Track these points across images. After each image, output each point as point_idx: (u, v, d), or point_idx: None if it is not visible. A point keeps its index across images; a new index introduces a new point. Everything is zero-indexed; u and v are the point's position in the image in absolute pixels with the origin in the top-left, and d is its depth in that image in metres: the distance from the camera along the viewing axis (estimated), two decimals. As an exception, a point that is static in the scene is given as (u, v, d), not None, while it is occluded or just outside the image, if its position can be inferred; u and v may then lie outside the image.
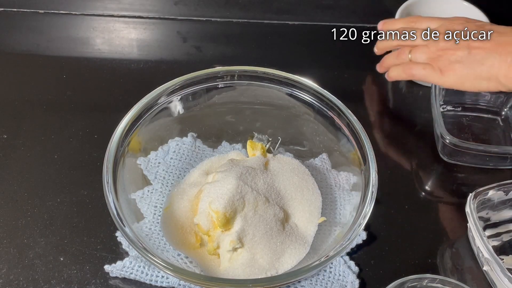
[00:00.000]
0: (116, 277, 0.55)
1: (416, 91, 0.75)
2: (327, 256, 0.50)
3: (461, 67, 0.62)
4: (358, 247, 0.59)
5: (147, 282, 0.55)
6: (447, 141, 0.63)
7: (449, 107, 0.73)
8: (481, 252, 0.54)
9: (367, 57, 0.74)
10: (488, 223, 0.61)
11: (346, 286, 0.56)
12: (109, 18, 0.83)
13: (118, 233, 0.58)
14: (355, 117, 0.58)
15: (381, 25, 0.71)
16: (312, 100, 0.61)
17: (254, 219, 0.54)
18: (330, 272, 0.56)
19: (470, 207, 0.56)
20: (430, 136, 0.69)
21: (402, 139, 0.71)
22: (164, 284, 0.55)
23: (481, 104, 0.73)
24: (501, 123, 0.72)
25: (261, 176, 0.58)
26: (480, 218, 0.59)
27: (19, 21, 0.81)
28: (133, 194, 0.58)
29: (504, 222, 0.62)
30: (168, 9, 0.84)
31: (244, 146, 0.65)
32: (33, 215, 0.59)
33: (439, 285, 0.52)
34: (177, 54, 0.81)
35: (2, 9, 0.82)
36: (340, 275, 0.56)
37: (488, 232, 0.61)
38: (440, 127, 0.64)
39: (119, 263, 0.55)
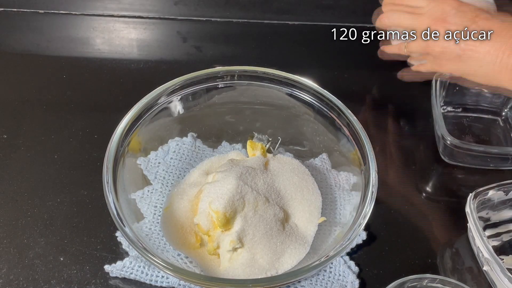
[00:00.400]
0: (116, 277, 0.55)
1: (416, 92, 0.75)
2: (327, 256, 0.50)
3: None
4: (358, 247, 0.59)
5: (147, 282, 0.55)
6: (448, 142, 0.63)
7: (449, 108, 0.73)
8: (481, 252, 0.54)
9: (367, 57, 0.74)
10: (488, 223, 0.61)
11: (346, 286, 0.56)
12: (109, 18, 0.83)
13: (118, 233, 0.58)
14: (355, 117, 0.58)
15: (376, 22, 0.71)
16: (312, 100, 0.61)
17: (254, 219, 0.54)
18: (330, 272, 0.56)
19: (470, 207, 0.56)
20: (431, 137, 0.69)
21: (402, 139, 0.71)
22: (164, 284, 0.55)
23: (482, 105, 0.73)
24: (501, 123, 0.72)
25: (261, 176, 0.58)
26: (480, 218, 0.59)
27: (19, 21, 0.81)
28: (133, 194, 0.58)
29: (504, 222, 0.62)
30: (168, 9, 0.84)
31: (244, 146, 0.65)
32: (33, 215, 0.59)
33: (439, 285, 0.52)
34: (177, 54, 0.81)
35: (2, 9, 0.82)
36: (340, 275, 0.56)
37: (488, 232, 0.61)
38: (441, 128, 0.64)
39: (119, 263, 0.55)
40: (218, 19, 0.84)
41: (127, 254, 0.56)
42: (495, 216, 0.61)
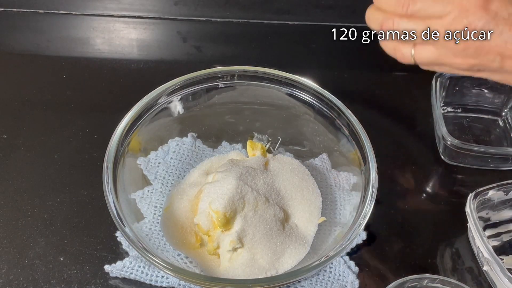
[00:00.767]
0: (116, 277, 0.55)
1: (416, 92, 0.75)
2: (327, 256, 0.50)
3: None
4: (358, 247, 0.59)
5: (147, 282, 0.55)
6: (449, 143, 0.63)
7: (449, 109, 0.73)
8: (481, 252, 0.54)
9: (367, 57, 0.74)
10: (488, 223, 0.61)
11: (346, 286, 0.56)
12: (109, 18, 0.83)
13: (118, 233, 0.58)
14: (355, 117, 0.58)
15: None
16: (312, 100, 0.61)
17: (254, 219, 0.54)
18: (330, 272, 0.56)
19: (470, 207, 0.56)
20: (431, 137, 0.69)
21: (402, 139, 0.71)
22: (164, 284, 0.55)
23: (482, 105, 0.73)
24: (501, 123, 0.72)
25: (261, 176, 0.58)
26: (480, 218, 0.59)
27: (19, 21, 0.81)
28: (133, 194, 0.58)
29: (504, 222, 0.62)
30: (168, 9, 0.83)
31: (244, 146, 0.65)
32: (33, 215, 0.59)
33: (439, 285, 0.52)
34: (177, 54, 0.81)
35: (2, 9, 0.82)
36: (340, 275, 0.56)
37: (488, 232, 0.61)
38: (441, 129, 0.64)
39: (119, 263, 0.55)
40: (218, 19, 0.84)
41: (127, 254, 0.56)
42: (495, 216, 0.61)
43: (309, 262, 0.51)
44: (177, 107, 0.62)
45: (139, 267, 0.55)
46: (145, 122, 0.59)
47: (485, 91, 0.72)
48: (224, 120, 0.65)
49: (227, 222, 0.54)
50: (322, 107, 0.61)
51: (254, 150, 0.62)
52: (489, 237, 0.60)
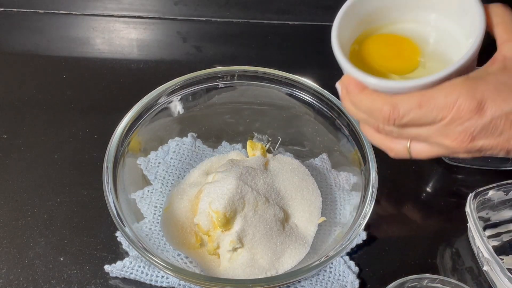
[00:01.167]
0: (116, 277, 0.55)
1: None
2: (327, 256, 0.50)
3: None
4: (358, 247, 0.59)
5: (147, 282, 0.55)
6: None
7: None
8: (481, 252, 0.54)
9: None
10: (488, 223, 0.61)
11: (346, 286, 0.56)
12: (109, 18, 0.83)
13: (118, 233, 0.58)
14: (355, 117, 0.58)
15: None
16: (312, 100, 0.61)
17: (254, 219, 0.54)
18: (330, 272, 0.56)
19: (470, 207, 0.56)
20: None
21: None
22: (164, 284, 0.55)
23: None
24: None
25: (261, 176, 0.58)
26: (480, 218, 0.59)
27: (19, 21, 0.81)
28: (133, 194, 0.58)
29: (504, 222, 0.62)
30: (168, 9, 0.83)
31: (244, 146, 0.65)
32: (33, 215, 0.59)
33: (439, 285, 0.52)
34: (177, 54, 0.81)
35: (2, 9, 0.82)
36: (340, 275, 0.56)
37: (488, 232, 0.61)
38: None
39: (119, 263, 0.55)
40: (218, 19, 0.84)
41: (127, 254, 0.56)
42: (495, 216, 0.61)
43: (309, 262, 0.51)
44: (177, 107, 0.62)
45: (139, 267, 0.55)
46: (145, 122, 0.59)
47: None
48: (224, 120, 0.65)
49: (227, 222, 0.54)
50: (322, 107, 0.61)
51: (254, 150, 0.62)
52: (489, 237, 0.60)
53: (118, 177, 0.54)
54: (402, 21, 0.47)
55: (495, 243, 0.60)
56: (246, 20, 0.84)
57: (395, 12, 0.46)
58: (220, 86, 0.62)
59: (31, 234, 0.58)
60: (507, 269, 0.52)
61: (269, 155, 0.63)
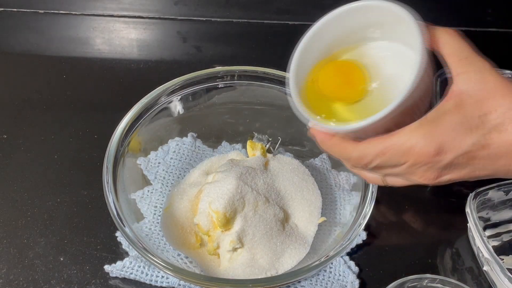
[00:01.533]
0: (116, 277, 0.55)
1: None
2: (327, 256, 0.50)
3: None
4: (358, 247, 0.59)
5: (147, 282, 0.55)
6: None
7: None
8: (481, 252, 0.54)
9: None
10: (488, 223, 0.61)
11: (346, 286, 0.56)
12: (109, 18, 0.83)
13: (118, 233, 0.58)
14: (355, 117, 0.58)
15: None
16: (312, 100, 0.61)
17: (254, 219, 0.54)
18: (330, 272, 0.56)
19: (470, 207, 0.56)
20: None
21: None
22: (164, 284, 0.55)
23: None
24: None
25: (261, 176, 0.58)
26: (480, 218, 0.59)
27: (19, 21, 0.81)
28: (133, 194, 0.58)
29: (504, 222, 0.61)
30: (168, 9, 0.83)
31: (244, 146, 0.65)
32: (33, 215, 0.59)
33: (439, 285, 0.52)
34: (177, 54, 0.81)
35: (2, 9, 0.82)
36: (340, 275, 0.56)
37: (488, 232, 0.61)
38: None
39: (119, 263, 0.55)
40: (218, 19, 0.84)
41: (127, 254, 0.56)
42: (495, 216, 0.61)
43: (309, 262, 0.51)
44: (177, 107, 0.62)
45: (139, 267, 0.55)
46: (145, 122, 0.59)
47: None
48: (224, 120, 0.65)
49: (227, 222, 0.54)
50: (322, 107, 0.61)
51: (254, 150, 0.62)
52: (489, 237, 0.60)
53: (118, 177, 0.54)
54: (359, 46, 0.48)
55: (495, 243, 0.60)
56: (246, 20, 0.84)
57: (352, 36, 0.48)
58: (220, 86, 0.62)
59: (31, 234, 0.58)
60: (507, 269, 0.52)
61: (269, 155, 0.63)
